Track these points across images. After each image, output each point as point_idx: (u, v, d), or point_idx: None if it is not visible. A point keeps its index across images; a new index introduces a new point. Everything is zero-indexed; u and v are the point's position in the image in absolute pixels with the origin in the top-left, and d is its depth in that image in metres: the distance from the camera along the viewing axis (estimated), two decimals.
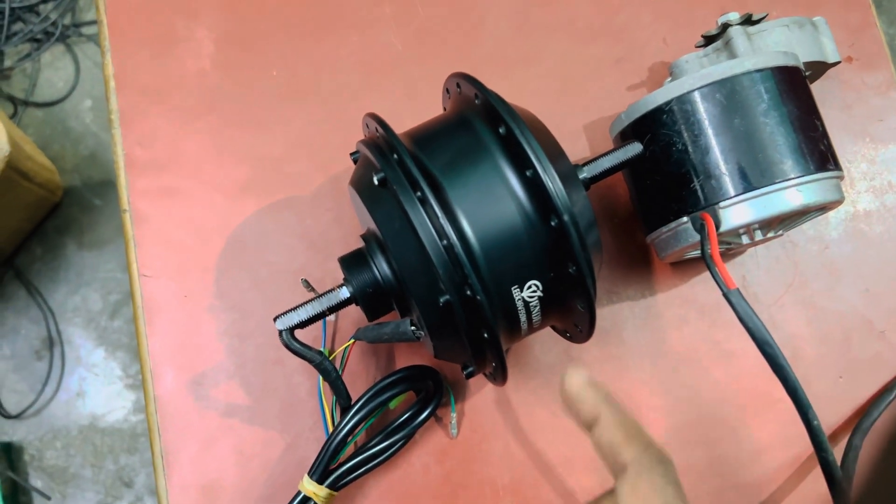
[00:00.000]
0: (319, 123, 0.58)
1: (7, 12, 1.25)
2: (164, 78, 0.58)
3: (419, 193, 0.40)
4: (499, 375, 0.45)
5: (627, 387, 0.55)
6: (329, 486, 0.48)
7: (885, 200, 0.59)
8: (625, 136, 0.51)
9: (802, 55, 0.51)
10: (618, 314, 0.56)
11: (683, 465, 0.54)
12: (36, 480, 1.16)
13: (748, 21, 0.52)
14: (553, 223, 0.40)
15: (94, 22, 1.32)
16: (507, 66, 0.60)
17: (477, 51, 0.60)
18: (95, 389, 1.20)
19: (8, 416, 1.18)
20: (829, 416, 0.56)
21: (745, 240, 0.49)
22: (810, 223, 0.58)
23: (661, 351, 0.56)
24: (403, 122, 0.47)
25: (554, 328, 0.50)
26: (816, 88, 0.58)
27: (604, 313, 0.56)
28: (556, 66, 0.60)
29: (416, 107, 0.57)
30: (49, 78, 1.29)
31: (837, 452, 0.54)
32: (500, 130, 0.41)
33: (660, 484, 0.35)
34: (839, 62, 0.54)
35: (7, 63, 1.28)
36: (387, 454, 0.50)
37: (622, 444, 0.37)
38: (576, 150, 0.59)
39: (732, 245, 0.51)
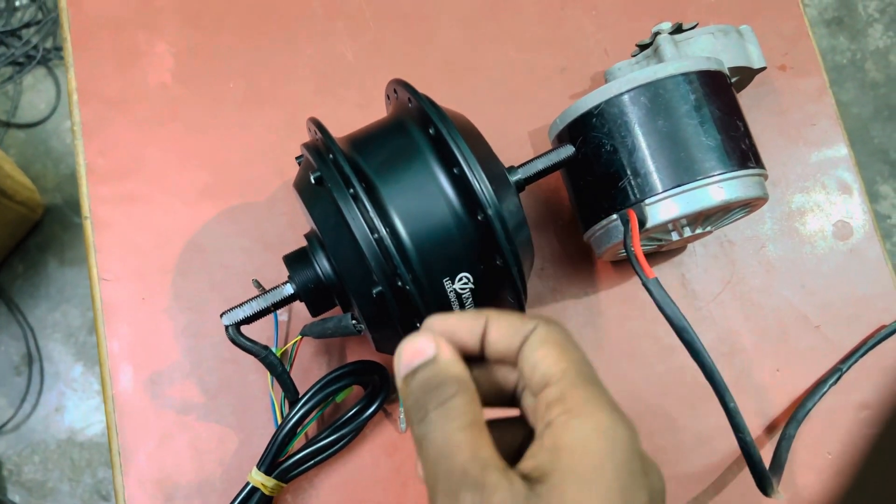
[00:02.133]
0: (275, 131, 0.60)
1: None
2: (126, 90, 0.60)
3: (352, 190, 0.42)
4: None
5: None
6: (277, 478, 0.50)
7: (817, 200, 0.61)
8: (561, 139, 0.53)
9: (728, 61, 0.54)
10: (562, 312, 0.58)
11: None
12: (14, 495, 1.17)
13: (678, 30, 0.55)
14: (480, 217, 0.42)
15: None
16: (456, 75, 0.62)
17: (427, 61, 0.63)
18: (74, 404, 1.21)
19: None
20: (768, 407, 0.58)
21: (674, 236, 0.52)
22: (746, 222, 0.60)
23: (605, 346, 0.58)
24: (356, 129, 0.49)
25: None
26: (752, 95, 0.61)
27: (549, 310, 0.58)
28: (503, 75, 0.63)
29: (368, 115, 0.59)
30: (31, 100, 1.32)
31: (773, 441, 0.56)
32: (431, 131, 0.44)
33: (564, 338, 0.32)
34: (765, 68, 0.57)
35: None
36: (336, 447, 0.52)
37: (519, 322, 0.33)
38: (521, 154, 0.60)
39: (664, 241, 0.53)
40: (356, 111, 0.61)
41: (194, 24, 0.62)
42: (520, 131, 0.62)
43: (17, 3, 1.36)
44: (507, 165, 0.49)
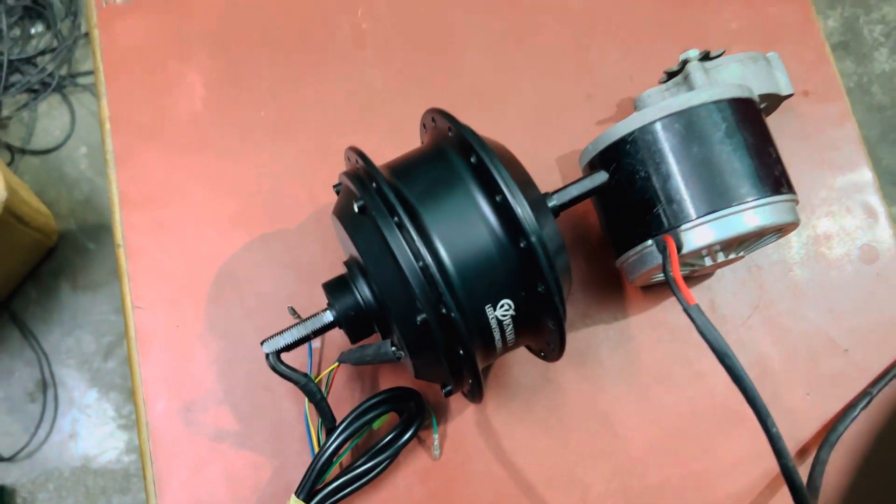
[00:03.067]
0: (306, 158, 0.61)
1: (5, 64, 1.30)
2: (157, 118, 0.61)
3: (396, 219, 0.42)
4: (476, 393, 0.47)
5: (604, 406, 0.57)
6: None
7: (843, 224, 0.61)
8: (593, 166, 0.54)
9: (757, 88, 0.55)
10: (593, 337, 0.59)
11: (659, 481, 0.56)
12: None
13: (706, 57, 0.56)
14: (522, 245, 0.43)
15: (89, 72, 1.36)
16: (484, 101, 0.63)
17: (454, 88, 0.63)
18: (88, 431, 1.21)
19: (1, 459, 1.18)
20: (798, 431, 0.58)
21: (707, 261, 0.52)
22: (774, 247, 0.61)
23: (636, 371, 0.58)
24: (386, 156, 0.50)
25: (528, 348, 0.53)
26: (776, 120, 0.62)
27: (579, 336, 0.59)
28: (530, 101, 0.63)
29: (398, 142, 0.60)
30: (46, 126, 1.33)
31: (807, 466, 0.56)
32: (472, 160, 0.44)
33: None
34: (792, 94, 0.57)
35: (5, 113, 1.32)
36: (371, 474, 0.52)
37: None
38: (549, 180, 0.62)
39: (696, 267, 0.54)
40: (385, 137, 0.62)
41: (225, 52, 0.63)
42: (548, 157, 0.62)
43: (33, 31, 1.37)
44: (542, 192, 0.50)
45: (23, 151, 1.31)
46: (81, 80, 1.35)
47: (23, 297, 1.23)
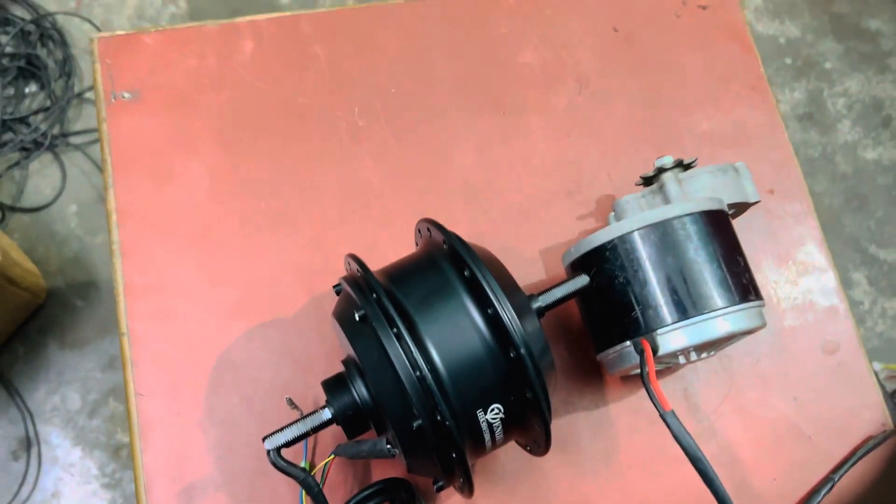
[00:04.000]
0: (303, 250, 0.64)
1: None
2: (161, 209, 0.64)
3: (395, 329, 0.46)
4: (466, 489, 0.50)
5: (584, 490, 0.60)
6: None
7: (807, 318, 0.66)
8: (574, 267, 0.58)
9: (727, 197, 0.59)
10: (574, 423, 0.62)
11: None
12: None
13: (680, 165, 0.60)
14: (512, 354, 0.46)
15: (81, 132, 1.39)
16: (471, 196, 0.67)
17: (444, 183, 0.67)
18: (71, 490, 1.21)
19: None
20: None
21: (681, 360, 0.56)
22: (743, 340, 0.65)
23: (615, 457, 0.62)
24: (380, 249, 0.53)
25: (517, 442, 0.56)
26: (743, 217, 0.66)
27: (561, 422, 0.62)
28: (514, 196, 0.67)
29: (391, 235, 0.64)
30: (36, 184, 1.35)
31: None
32: (465, 273, 0.48)
33: None
34: (759, 201, 0.62)
35: None
36: None
37: None
38: (533, 272, 0.65)
39: (671, 364, 0.58)
40: (379, 230, 0.65)
41: (227, 146, 0.66)
42: (531, 250, 0.66)
43: (27, 91, 1.40)
44: (522, 284, 0.53)
45: (13, 209, 1.33)
46: (73, 140, 1.38)
47: (9, 354, 1.24)
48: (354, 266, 0.51)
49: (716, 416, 0.63)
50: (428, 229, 0.52)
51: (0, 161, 1.35)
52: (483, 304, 0.47)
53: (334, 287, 0.53)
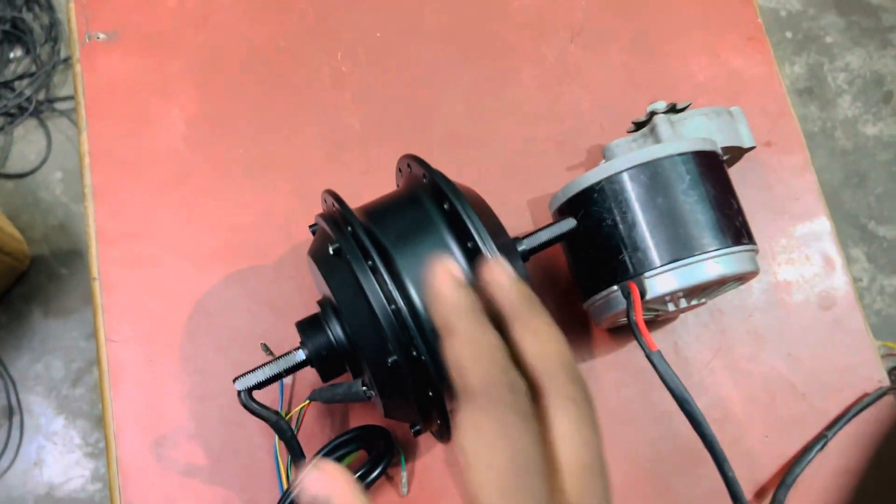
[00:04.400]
0: (283, 197, 0.62)
1: None
2: (137, 154, 0.62)
3: (370, 262, 0.44)
4: (444, 433, 0.48)
5: None
6: None
7: (802, 272, 0.64)
8: (562, 212, 0.56)
9: (720, 141, 0.57)
10: None
11: None
12: None
13: (672, 110, 0.58)
14: None
15: (67, 98, 1.37)
16: (458, 145, 0.65)
17: (430, 131, 0.65)
18: (54, 458, 1.20)
19: None
20: (757, 472, 0.60)
21: (671, 307, 0.54)
22: (735, 293, 0.63)
23: (602, 411, 0.59)
24: (362, 197, 0.51)
25: None
26: (739, 170, 0.64)
27: None
28: (503, 146, 0.65)
29: (373, 183, 0.61)
30: (21, 150, 1.33)
31: None
32: (445, 206, 0.46)
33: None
34: (754, 147, 0.60)
35: None
36: None
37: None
38: (520, 223, 0.63)
39: (660, 312, 0.56)
40: (361, 178, 0.63)
41: (207, 91, 0.64)
42: (519, 200, 0.64)
43: (11, 56, 1.38)
44: (511, 235, 0.51)
45: None
46: (59, 106, 1.36)
47: None
48: (331, 201, 0.49)
49: (707, 372, 0.61)
50: (408, 165, 0.51)
51: None
52: (463, 237, 0.45)
53: (310, 227, 0.51)
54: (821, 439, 0.60)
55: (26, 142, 1.34)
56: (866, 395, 0.62)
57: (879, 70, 1.57)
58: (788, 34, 1.58)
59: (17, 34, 1.36)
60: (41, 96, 1.35)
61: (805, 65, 1.57)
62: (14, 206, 1.26)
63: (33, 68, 1.36)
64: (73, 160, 1.33)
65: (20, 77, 1.35)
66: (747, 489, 0.59)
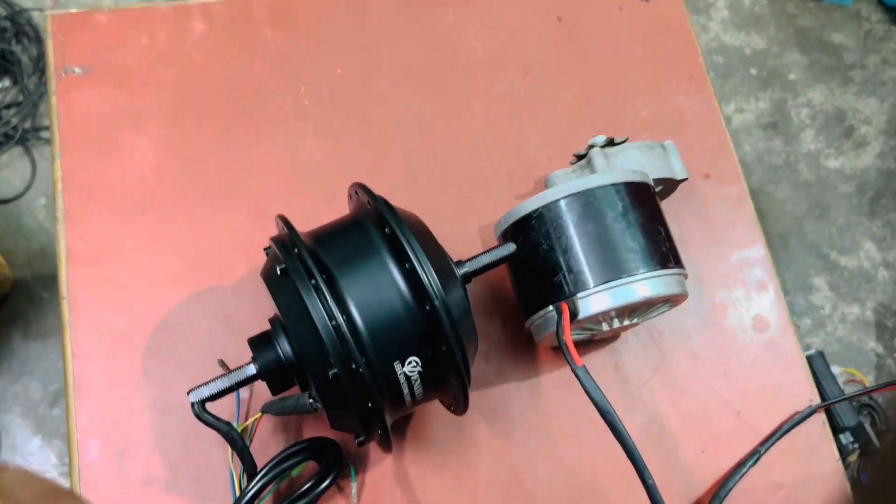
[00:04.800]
0: (244, 222, 0.65)
1: None
2: (107, 181, 0.65)
3: (314, 281, 0.47)
4: (385, 443, 0.51)
5: (515, 460, 0.62)
6: None
7: (736, 295, 0.68)
8: (505, 237, 0.59)
9: (653, 172, 0.61)
10: (506, 394, 0.63)
11: None
12: None
13: (610, 143, 0.62)
14: (427, 307, 0.48)
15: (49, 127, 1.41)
16: (413, 176, 0.69)
17: (387, 163, 0.69)
18: None
19: None
20: (693, 486, 0.63)
21: (604, 326, 0.57)
22: (674, 314, 0.66)
23: (545, 427, 0.63)
24: (321, 223, 0.55)
25: (441, 401, 0.57)
26: (678, 200, 0.68)
27: (493, 392, 0.63)
28: (456, 177, 0.69)
29: (332, 209, 0.65)
30: (6, 177, 1.37)
31: None
32: (386, 230, 0.50)
33: None
34: (686, 179, 0.64)
35: None
36: None
37: None
38: (471, 248, 0.66)
39: (595, 331, 0.59)
40: (321, 206, 0.66)
41: (173, 122, 0.68)
42: (470, 228, 0.68)
43: (0, 86, 1.42)
44: (455, 259, 0.55)
45: None
46: (44, 135, 1.40)
47: None
48: (281, 225, 0.52)
49: (646, 390, 0.65)
50: (356, 192, 0.54)
51: None
52: (401, 259, 0.49)
53: (265, 249, 0.55)
54: (754, 455, 0.63)
55: (11, 169, 1.37)
56: (797, 412, 0.65)
57: (840, 106, 1.63)
58: (753, 71, 1.64)
59: (5, 65, 1.41)
60: (27, 125, 1.39)
61: (770, 100, 1.62)
62: None
63: (20, 98, 1.41)
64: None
65: (7, 106, 1.39)
66: (682, 501, 0.62)
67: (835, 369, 1.35)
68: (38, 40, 1.43)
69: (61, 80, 0.67)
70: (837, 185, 1.57)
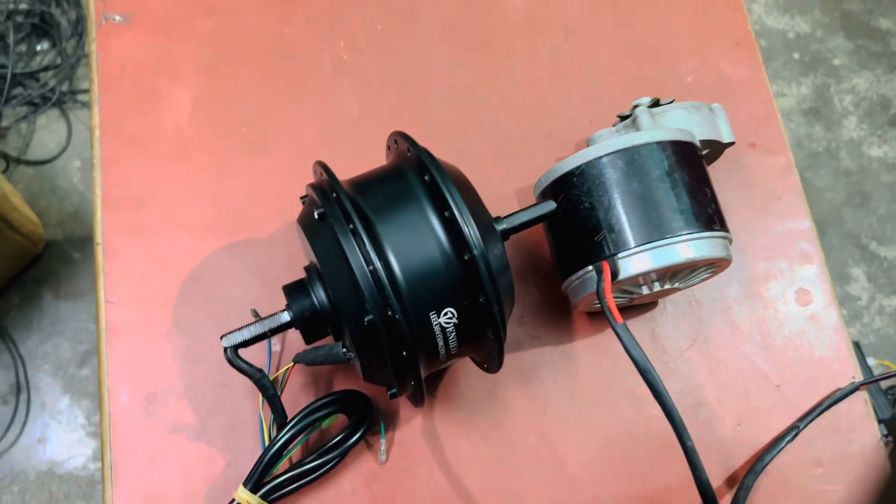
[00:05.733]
0: (279, 175, 0.65)
1: (9, 77, 1.35)
2: (143, 129, 0.65)
3: (351, 226, 0.46)
4: (418, 395, 0.51)
5: (545, 424, 0.60)
6: (262, 497, 0.52)
7: (780, 267, 0.66)
8: (545, 196, 0.58)
9: (699, 133, 0.59)
10: (538, 357, 0.62)
11: (591, 497, 0.59)
12: None
13: (656, 104, 0.61)
14: (466, 257, 0.47)
15: (87, 90, 1.42)
16: (451, 134, 0.68)
17: (424, 120, 0.68)
18: (57, 436, 1.23)
19: None
20: (728, 459, 0.61)
21: (644, 290, 0.56)
22: (714, 284, 0.64)
23: (577, 393, 0.62)
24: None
25: (472, 359, 0.56)
26: (722, 168, 0.66)
27: (526, 356, 0.62)
28: (494, 137, 0.68)
29: (367, 165, 0.64)
30: (42, 139, 1.38)
31: (731, 492, 0.59)
32: (426, 178, 0.49)
33: None
34: (733, 143, 0.62)
35: (4, 123, 1.37)
36: (319, 472, 0.55)
37: None
38: (507, 210, 0.65)
39: (634, 294, 0.58)
40: (356, 161, 0.65)
41: (211, 73, 0.67)
42: (507, 189, 0.66)
43: (38, 48, 1.43)
44: (494, 216, 0.54)
45: (18, 161, 1.36)
46: (81, 97, 1.41)
47: (5, 302, 1.26)
48: (319, 171, 0.51)
49: (683, 360, 0.63)
50: (395, 141, 0.53)
51: (8, 114, 1.39)
52: (441, 207, 0.48)
53: (301, 197, 0.54)
54: (792, 430, 0.61)
55: (48, 131, 1.39)
56: (839, 389, 0.63)
57: (886, 93, 1.58)
58: (796, 55, 1.60)
59: (44, 27, 1.42)
60: (65, 88, 1.40)
61: (812, 86, 1.58)
62: (32, 192, 1.31)
63: (58, 61, 1.42)
64: (91, 150, 1.37)
65: (45, 69, 1.41)
66: (718, 474, 0.61)
67: (870, 361, 1.32)
68: (77, 4, 1.44)
69: (101, 28, 0.67)
70: (879, 173, 1.53)
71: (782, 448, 0.61)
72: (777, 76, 1.58)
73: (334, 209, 0.47)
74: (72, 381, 1.25)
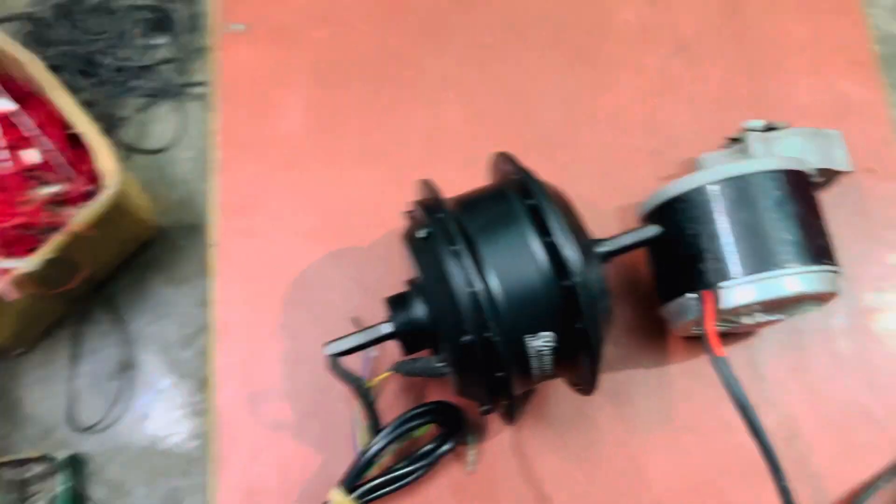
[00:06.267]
0: (383, 185, 0.66)
1: (132, 70, 1.45)
2: (258, 135, 0.68)
3: (455, 247, 0.47)
4: (510, 415, 0.51)
5: (634, 447, 0.60)
6: (355, 499, 0.54)
7: (889, 300, 0.63)
8: (649, 219, 0.57)
9: (813, 162, 0.57)
10: (632, 380, 0.62)
11: None
12: (95, 492, 1.26)
13: (768, 128, 0.59)
14: (566, 283, 0.47)
15: (200, 83, 1.49)
16: (553, 149, 0.68)
17: (527, 134, 0.68)
18: (159, 414, 1.30)
19: (79, 429, 1.29)
20: (822, 495, 0.59)
21: (746, 320, 0.55)
22: (820, 315, 0.62)
23: (669, 417, 0.61)
24: (457, 190, 0.55)
25: (566, 381, 0.56)
26: (836, 193, 0.64)
27: (619, 377, 0.62)
28: (596, 153, 0.68)
29: (469, 178, 0.65)
30: (157, 129, 1.46)
31: None
32: (530, 202, 0.49)
33: None
34: (850, 171, 0.60)
35: (125, 113, 1.45)
36: (409, 478, 0.56)
37: None
38: (608, 228, 0.64)
39: (736, 324, 0.57)
40: (458, 174, 0.66)
41: (323, 84, 0.69)
42: (608, 206, 0.66)
43: (157, 42, 1.50)
44: (595, 238, 0.54)
45: (135, 150, 1.44)
46: (194, 91, 1.48)
47: (116, 284, 1.35)
48: (427, 190, 0.53)
49: (781, 390, 0.62)
50: (500, 162, 0.54)
51: (128, 105, 1.47)
52: (543, 231, 0.48)
53: (408, 213, 0.55)
54: (892, 471, 0.59)
55: (163, 122, 1.46)
56: None
57: None
58: None
59: (165, 22, 1.50)
60: (180, 81, 1.48)
61: None
62: (145, 180, 1.38)
63: (176, 54, 1.49)
64: (202, 141, 1.44)
65: (163, 62, 1.48)
66: None
67: None
68: (192, 1, 1.51)
69: (223, 37, 0.70)
70: None
71: (880, 488, 0.59)
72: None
73: (439, 229, 0.48)
74: (176, 362, 1.32)
